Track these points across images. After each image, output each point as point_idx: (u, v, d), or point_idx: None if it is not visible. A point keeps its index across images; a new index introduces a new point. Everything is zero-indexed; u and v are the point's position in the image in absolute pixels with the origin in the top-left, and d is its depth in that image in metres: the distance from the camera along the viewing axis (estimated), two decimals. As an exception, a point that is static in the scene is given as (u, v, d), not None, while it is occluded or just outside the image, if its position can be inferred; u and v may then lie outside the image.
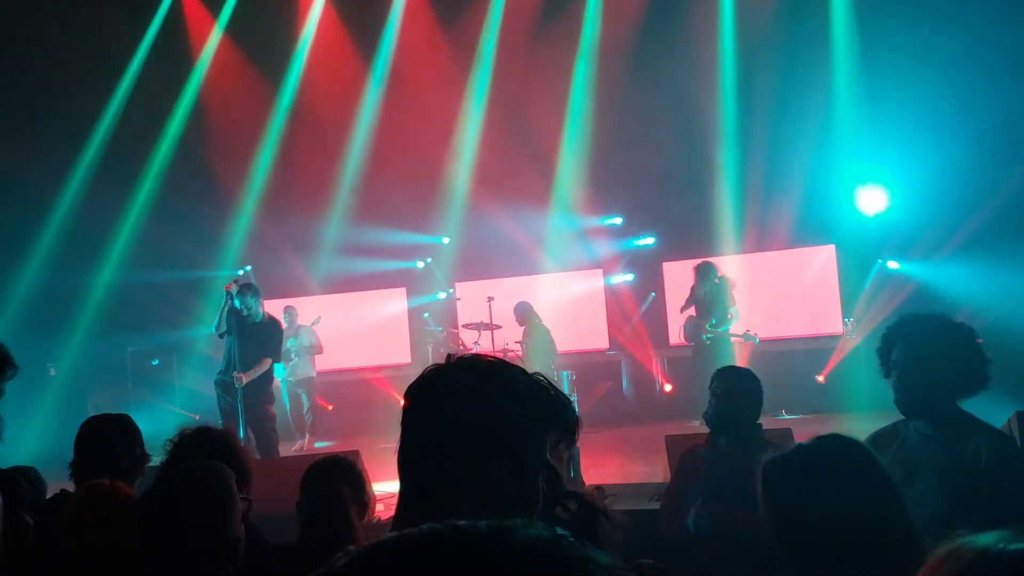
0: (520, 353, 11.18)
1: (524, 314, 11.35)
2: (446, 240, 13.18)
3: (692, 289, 10.54)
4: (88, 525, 2.42)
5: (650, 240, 12.60)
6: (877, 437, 3.09)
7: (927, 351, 2.84)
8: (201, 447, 2.96)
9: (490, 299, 11.19)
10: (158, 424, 9.75)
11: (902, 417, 3.04)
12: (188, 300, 12.48)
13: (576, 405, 9.77)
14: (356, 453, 5.76)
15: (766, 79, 11.33)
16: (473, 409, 1.41)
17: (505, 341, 11.16)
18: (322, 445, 10.83)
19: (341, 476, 3.14)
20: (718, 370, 3.98)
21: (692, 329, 10.40)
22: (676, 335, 11.74)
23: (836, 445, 1.88)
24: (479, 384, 1.43)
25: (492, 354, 1.57)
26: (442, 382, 1.46)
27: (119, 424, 3.32)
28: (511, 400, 1.42)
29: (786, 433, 5.96)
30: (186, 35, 12.82)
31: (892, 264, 11.24)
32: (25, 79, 11.37)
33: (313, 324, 11.58)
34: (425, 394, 1.46)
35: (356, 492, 3.10)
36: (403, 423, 1.46)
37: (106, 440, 3.24)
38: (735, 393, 3.81)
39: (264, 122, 12.98)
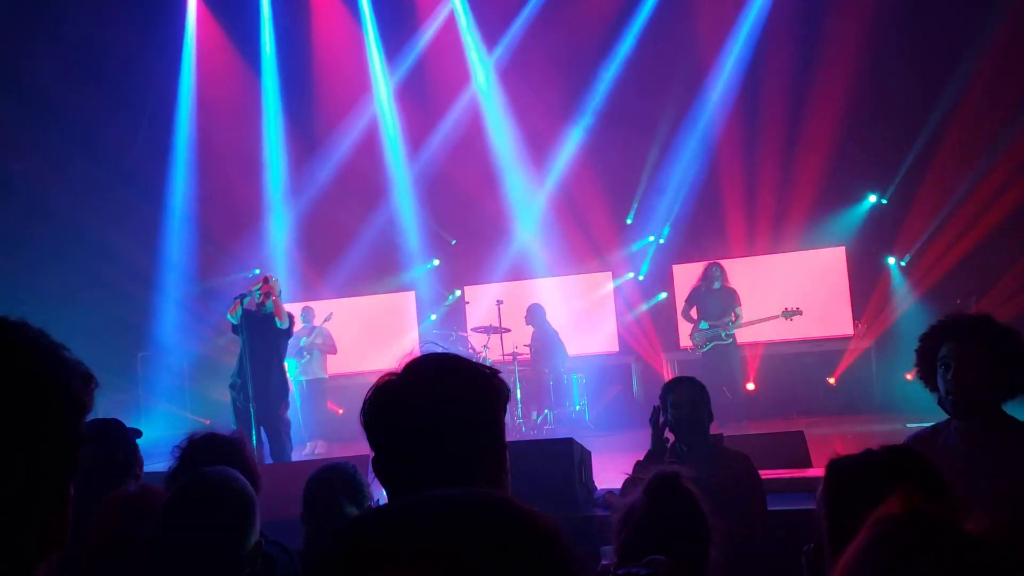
0: (528, 356, 11.18)
1: (534, 316, 11.33)
2: (454, 242, 13.22)
3: (695, 291, 10.56)
4: (111, 529, 2.44)
5: (653, 238, 12.57)
6: (917, 438, 3.05)
7: (980, 349, 2.80)
8: (210, 453, 2.94)
9: (499, 303, 11.18)
10: (169, 429, 9.81)
11: (918, 421, 3.01)
12: (200, 304, 12.52)
13: (586, 411, 9.82)
14: (365, 459, 5.74)
15: (777, 79, 11.32)
16: (448, 406, 1.48)
17: (514, 345, 11.15)
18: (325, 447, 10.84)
19: (339, 485, 3.11)
20: (673, 382, 4.23)
21: (708, 334, 10.35)
22: (686, 339, 11.74)
23: (903, 456, 1.85)
24: (442, 383, 1.51)
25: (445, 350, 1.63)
26: (404, 388, 1.50)
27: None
28: (471, 390, 1.51)
29: (797, 436, 5.96)
30: (184, 33, 12.93)
31: (901, 266, 11.21)
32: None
33: (325, 321, 11.61)
34: (390, 403, 1.50)
35: (356, 500, 3.08)
36: (376, 432, 1.50)
37: None
38: (697, 404, 4.01)
39: (278, 129, 13.09)
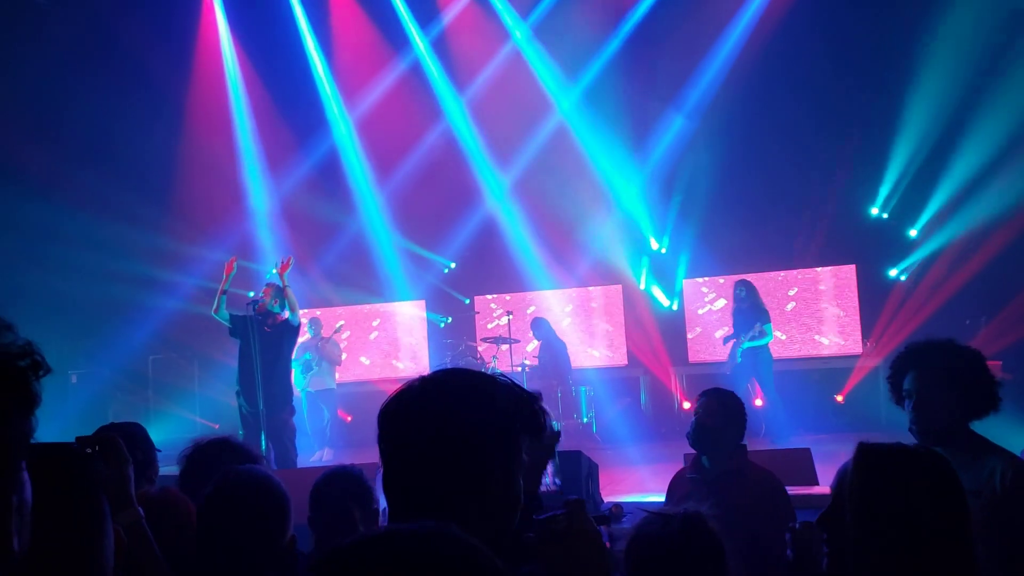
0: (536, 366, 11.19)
1: (541, 330, 11.34)
2: (452, 266, 13.26)
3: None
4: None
5: (657, 248, 12.58)
6: None
7: (940, 378, 2.88)
8: (217, 459, 2.97)
9: (508, 313, 11.20)
10: (177, 432, 9.85)
11: (916, 442, 3.05)
12: (210, 307, 12.55)
13: (594, 423, 9.75)
14: (374, 466, 5.74)
15: (792, 95, 11.33)
16: (453, 426, 1.42)
17: (523, 356, 11.15)
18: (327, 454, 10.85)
19: (347, 488, 3.11)
20: (703, 391, 4.05)
21: (732, 351, 10.38)
22: (695, 353, 11.80)
23: (935, 457, 1.93)
24: (456, 400, 1.45)
25: (469, 367, 1.60)
26: (418, 402, 1.46)
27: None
28: (488, 411, 1.45)
29: (804, 454, 5.94)
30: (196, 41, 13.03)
31: (912, 282, 11.18)
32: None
33: (335, 333, 11.62)
34: (403, 415, 1.47)
35: (364, 503, 3.06)
36: (382, 445, 1.47)
37: None
38: (716, 414, 3.86)
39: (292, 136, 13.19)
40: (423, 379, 1.50)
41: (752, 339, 10.02)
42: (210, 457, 2.98)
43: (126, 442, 3.12)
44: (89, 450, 1.95)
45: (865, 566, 1.76)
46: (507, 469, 1.45)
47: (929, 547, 1.73)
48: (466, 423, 1.42)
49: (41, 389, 1.05)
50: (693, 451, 4.03)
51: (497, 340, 11.18)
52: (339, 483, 3.15)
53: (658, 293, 12.52)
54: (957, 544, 1.77)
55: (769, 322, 10.18)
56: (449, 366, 1.56)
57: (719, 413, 3.87)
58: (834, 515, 1.85)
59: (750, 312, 10.22)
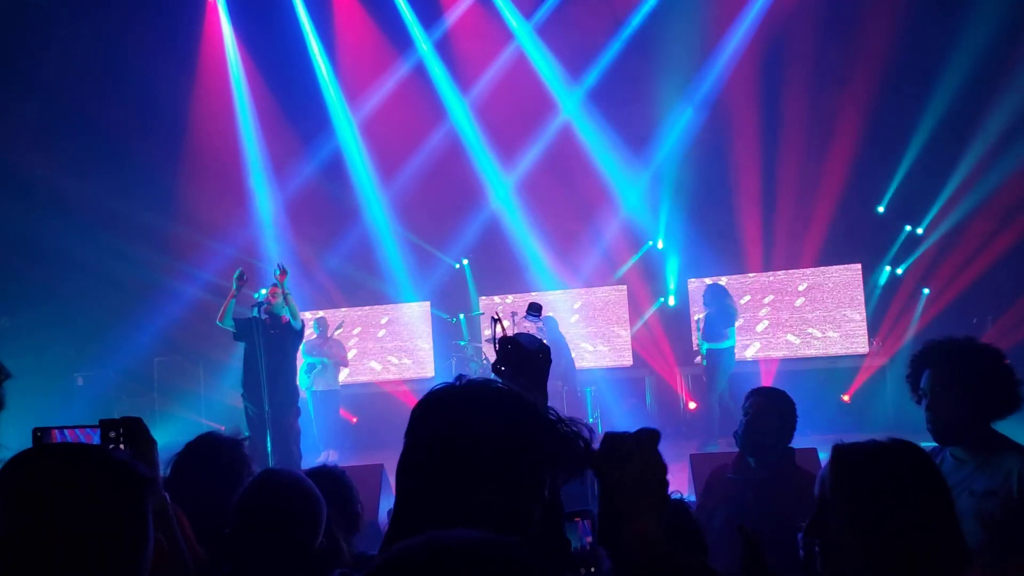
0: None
1: (547, 328, 11.32)
2: (465, 262, 13.24)
3: None
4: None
5: (659, 246, 12.58)
6: None
7: (955, 377, 2.82)
8: (204, 458, 2.96)
9: (514, 314, 11.19)
10: (182, 435, 9.83)
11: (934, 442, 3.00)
12: (215, 309, 12.58)
13: (599, 423, 9.70)
14: (380, 467, 5.78)
15: (799, 92, 11.31)
16: (473, 434, 1.41)
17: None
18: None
19: (327, 489, 3.07)
20: (752, 390, 3.95)
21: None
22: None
23: (908, 449, 1.89)
24: (483, 410, 1.44)
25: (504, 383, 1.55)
26: (447, 404, 1.46)
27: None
28: (513, 430, 1.42)
29: (810, 454, 5.92)
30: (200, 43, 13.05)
31: (918, 280, 11.16)
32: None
33: (336, 330, 11.59)
34: (428, 413, 1.47)
35: (342, 505, 2.96)
36: (406, 440, 1.47)
37: None
38: (766, 414, 3.76)
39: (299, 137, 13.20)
40: (467, 383, 1.49)
41: (706, 338, 10.00)
42: (192, 456, 2.97)
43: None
44: (113, 433, 1.95)
45: (855, 566, 1.75)
46: (511, 490, 1.42)
47: (914, 537, 1.71)
48: (469, 437, 1.41)
49: (4, 394, 1.03)
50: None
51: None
52: (319, 484, 3.12)
53: (670, 284, 12.52)
54: (941, 530, 1.75)
55: (732, 325, 10.12)
56: (454, 367, 1.54)
57: (769, 413, 3.78)
58: (821, 520, 1.83)
59: (716, 315, 10.17)
